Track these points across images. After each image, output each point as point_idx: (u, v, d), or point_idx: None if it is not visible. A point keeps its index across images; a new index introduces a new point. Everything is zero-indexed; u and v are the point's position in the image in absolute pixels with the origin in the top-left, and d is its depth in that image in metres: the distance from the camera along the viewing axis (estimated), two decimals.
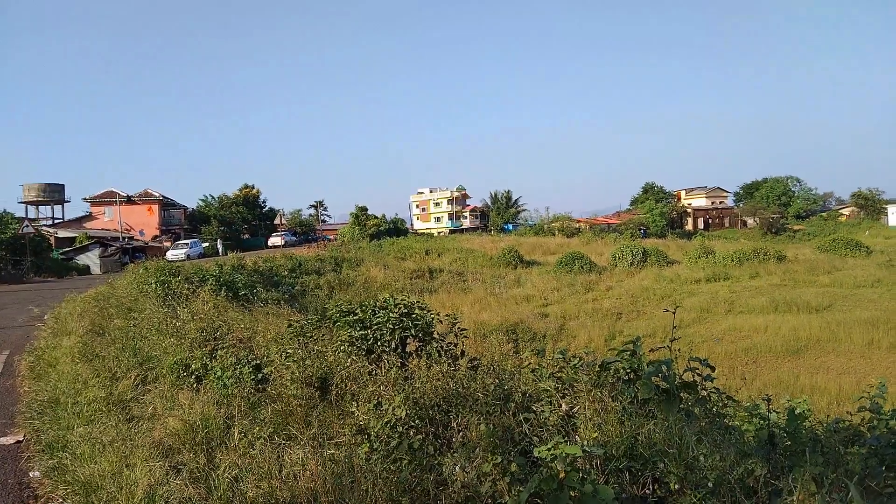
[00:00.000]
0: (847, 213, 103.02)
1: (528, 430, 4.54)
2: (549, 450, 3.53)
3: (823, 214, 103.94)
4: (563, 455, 3.44)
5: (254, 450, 5.40)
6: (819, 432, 5.73)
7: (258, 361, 8.09)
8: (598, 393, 4.75)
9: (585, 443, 4.02)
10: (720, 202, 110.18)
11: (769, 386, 21.28)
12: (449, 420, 4.95)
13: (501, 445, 4.24)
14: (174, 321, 11.73)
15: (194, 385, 8.04)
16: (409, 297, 8.66)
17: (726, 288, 37.58)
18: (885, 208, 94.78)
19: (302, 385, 6.55)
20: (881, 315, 29.61)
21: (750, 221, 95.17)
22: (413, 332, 7.71)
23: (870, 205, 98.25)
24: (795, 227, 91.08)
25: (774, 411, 6.98)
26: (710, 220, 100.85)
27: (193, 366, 8.44)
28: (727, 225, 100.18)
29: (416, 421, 4.95)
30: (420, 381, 5.67)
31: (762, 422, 6.53)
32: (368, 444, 4.89)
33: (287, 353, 7.61)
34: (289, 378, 6.73)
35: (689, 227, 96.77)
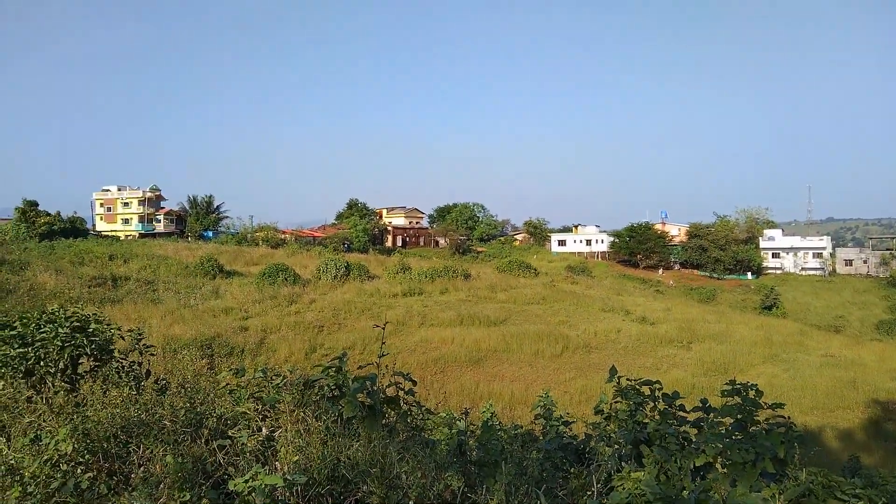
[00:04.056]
0: (520, 239, 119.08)
1: (224, 459, 4.12)
2: (246, 482, 3.21)
3: (502, 238, 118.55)
4: (262, 486, 3.15)
5: None
6: (503, 438, 6.23)
7: None
8: (302, 413, 4.52)
9: (286, 468, 3.76)
10: (417, 222, 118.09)
11: (453, 394, 23.17)
12: (128, 453, 4.28)
13: (191, 479, 3.76)
14: None
15: None
16: (85, 308, 7.49)
17: (420, 302, 40.17)
18: (550, 236, 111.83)
19: None
20: (545, 328, 34.25)
21: (442, 241, 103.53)
22: (88, 349, 6.65)
23: (538, 232, 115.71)
24: (479, 249, 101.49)
25: (461, 420, 7.46)
26: (408, 239, 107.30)
27: None
28: (422, 244, 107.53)
29: (86, 456, 4.18)
30: (94, 408, 4.85)
31: (452, 432, 6.94)
32: (21, 488, 4.00)
33: None
34: None
35: (389, 243, 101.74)
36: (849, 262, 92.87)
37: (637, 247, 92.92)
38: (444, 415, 6.72)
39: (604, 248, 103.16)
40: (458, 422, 6.00)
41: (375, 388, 4.70)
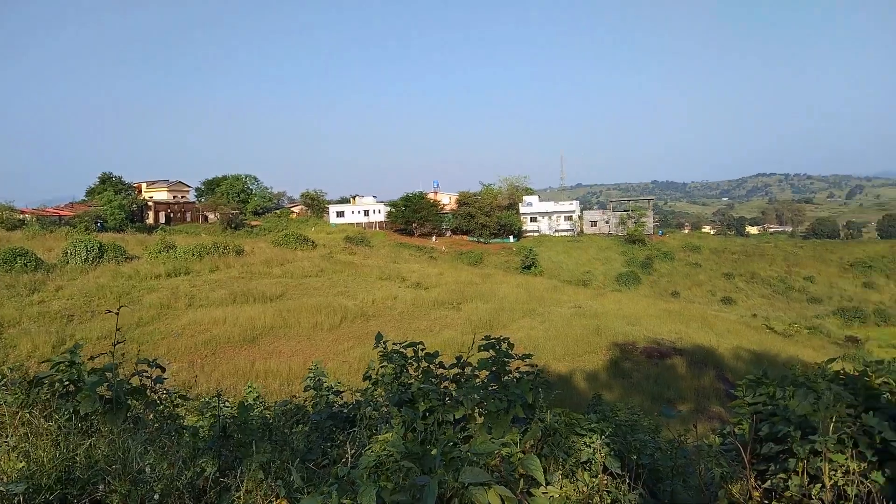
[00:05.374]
0: (297, 211, 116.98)
1: None
2: None
3: (278, 211, 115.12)
4: None
5: None
6: (269, 416, 6.11)
7: None
8: (27, 415, 4.01)
9: (5, 478, 3.32)
10: (182, 197, 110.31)
11: (227, 375, 22.28)
12: None
13: None
14: None
15: None
16: None
17: (187, 282, 37.77)
18: (328, 207, 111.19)
19: None
20: (323, 301, 34.19)
21: (211, 216, 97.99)
22: None
23: (316, 204, 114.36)
24: (253, 223, 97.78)
25: (226, 404, 7.19)
26: (173, 215, 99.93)
27: None
28: (189, 219, 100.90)
29: None
30: None
31: (206, 416, 6.66)
32: None
33: None
34: None
35: (151, 220, 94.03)
36: (594, 223, 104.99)
37: (412, 216, 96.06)
38: (207, 399, 6.41)
39: (381, 217, 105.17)
40: (215, 405, 5.75)
41: (117, 380, 4.31)
